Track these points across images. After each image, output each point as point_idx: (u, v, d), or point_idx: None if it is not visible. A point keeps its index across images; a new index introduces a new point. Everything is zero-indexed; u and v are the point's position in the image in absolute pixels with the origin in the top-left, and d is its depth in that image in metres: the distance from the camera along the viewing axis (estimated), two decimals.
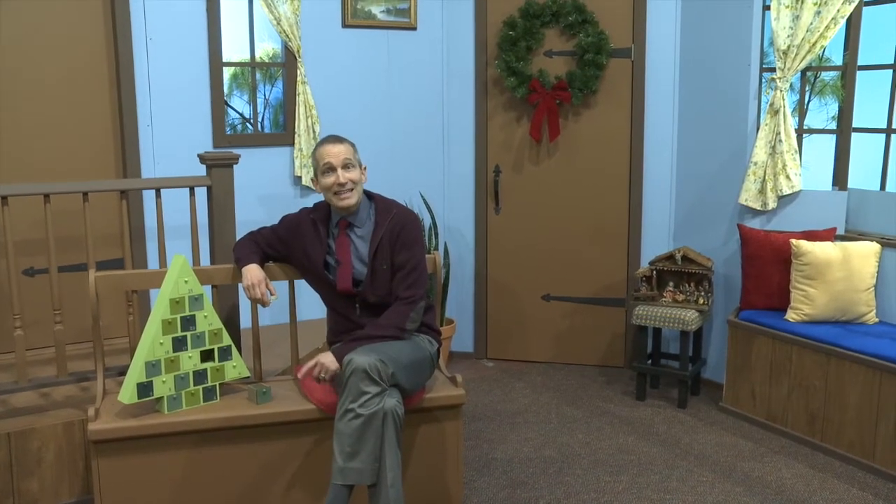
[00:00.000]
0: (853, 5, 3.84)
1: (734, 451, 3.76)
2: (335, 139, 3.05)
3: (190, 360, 2.93)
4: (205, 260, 3.71)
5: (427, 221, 4.80)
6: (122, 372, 3.24)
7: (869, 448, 3.53)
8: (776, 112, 4.05)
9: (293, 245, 3.13)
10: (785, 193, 4.10)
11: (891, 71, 3.97)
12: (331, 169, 2.98)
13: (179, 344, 2.91)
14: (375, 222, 3.05)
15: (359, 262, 3.04)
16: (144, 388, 2.83)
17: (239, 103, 4.93)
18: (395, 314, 2.96)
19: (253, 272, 3.06)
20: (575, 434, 3.96)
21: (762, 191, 4.15)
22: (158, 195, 3.39)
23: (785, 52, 4.00)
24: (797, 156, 4.09)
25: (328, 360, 2.88)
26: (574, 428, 4.04)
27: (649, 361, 4.53)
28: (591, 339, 4.97)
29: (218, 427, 2.88)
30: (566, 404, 4.35)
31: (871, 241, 3.86)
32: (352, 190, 2.99)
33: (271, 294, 3.06)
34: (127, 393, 2.81)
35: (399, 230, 3.01)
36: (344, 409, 2.74)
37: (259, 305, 3.12)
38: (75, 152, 3.94)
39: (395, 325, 2.94)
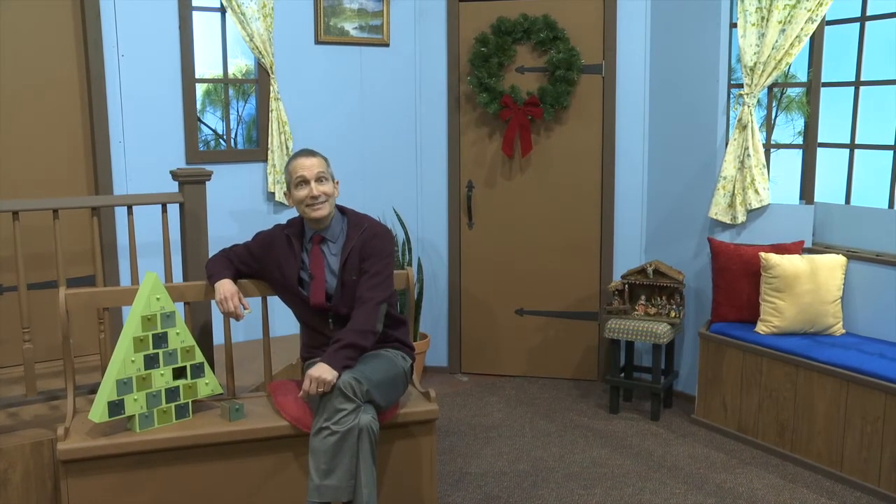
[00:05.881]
0: (816, 24, 3.93)
1: (706, 463, 3.79)
2: (308, 152, 3.06)
3: (162, 378, 2.92)
4: (177, 277, 3.70)
5: (400, 236, 4.81)
6: (93, 390, 3.21)
7: (837, 458, 3.58)
8: (744, 127, 4.12)
9: (267, 261, 3.13)
10: (754, 207, 4.17)
11: (853, 88, 4.05)
12: (304, 182, 2.99)
13: (151, 361, 2.89)
14: (347, 236, 3.06)
15: (331, 275, 3.04)
16: (116, 407, 2.80)
17: (212, 119, 4.93)
18: (365, 317, 2.90)
19: (225, 286, 3.05)
20: (549, 448, 3.98)
21: (731, 205, 4.21)
22: (130, 212, 3.37)
23: (752, 69, 4.08)
24: (765, 170, 4.16)
25: (323, 371, 2.75)
26: (548, 441, 4.05)
27: (622, 374, 4.56)
28: (565, 353, 4.99)
29: (191, 445, 2.86)
30: (540, 418, 4.37)
31: (838, 253, 3.93)
32: (325, 202, 3.00)
33: (245, 308, 3.05)
34: (98, 411, 2.78)
35: (368, 241, 3.02)
36: (319, 426, 2.74)
37: (233, 320, 3.12)
38: (46, 169, 3.91)
39: (370, 330, 2.89)
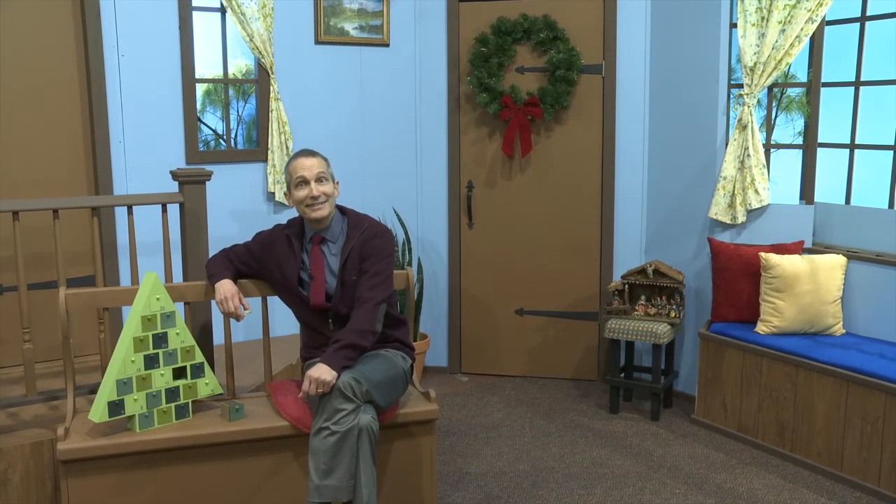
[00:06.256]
0: (816, 24, 3.93)
1: (706, 463, 3.79)
2: (308, 153, 3.06)
3: (162, 378, 2.92)
4: (177, 277, 3.70)
5: (400, 236, 4.81)
6: (93, 390, 3.21)
7: (837, 458, 3.58)
8: (744, 127, 4.12)
9: (267, 261, 3.13)
10: (754, 207, 4.17)
11: (853, 88, 4.05)
12: (304, 182, 2.99)
13: (151, 361, 2.89)
14: (347, 236, 3.06)
15: (331, 276, 3.04)
16: (116, 407, 2.80)
17: (212, 119, 4.92)
18: (364, 317, 2.89)
19: (226, 286, 3.05)
20: (549, 448, 3.98)
21: (731, 205, 4.21)
22: (130, 212, 3.37)
23: (752, 69, 4.08)
24: (765, 170, 4.16)
25: (323, 372, 2.75)
26: (548, 442, 4.05)
27: (622, 374, 4.56)
28: (565, 353, 4.99)
29: (191, 445, 2.86)
30: (540, 418, 4.37)
31: (838, 253, 3.93)
32: (325, 202, 3.00)
33: (245, 308, 3.05)
34: (98, 411, 2.78)
35: (368, 241, 3.02)
36: (318, 426, 2.74)
37: (233, 320, 3.12)
38: (46, 169, 3.91)
39: (369, 330, 2.89)
